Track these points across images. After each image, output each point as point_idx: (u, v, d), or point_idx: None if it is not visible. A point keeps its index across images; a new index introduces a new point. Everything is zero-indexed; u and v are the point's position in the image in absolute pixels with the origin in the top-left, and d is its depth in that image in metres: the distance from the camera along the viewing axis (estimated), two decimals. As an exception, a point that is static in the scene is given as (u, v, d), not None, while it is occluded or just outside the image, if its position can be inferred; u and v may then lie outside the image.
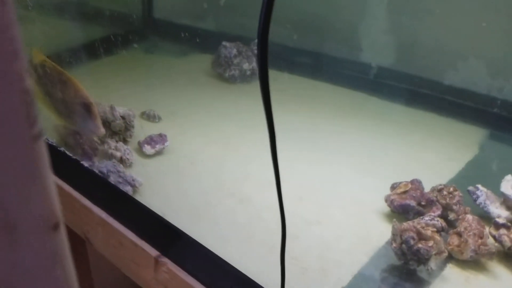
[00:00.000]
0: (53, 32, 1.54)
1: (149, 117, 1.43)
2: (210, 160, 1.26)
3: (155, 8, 1.98)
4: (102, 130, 1.15)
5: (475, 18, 1.43)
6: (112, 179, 1.13)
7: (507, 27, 1.38)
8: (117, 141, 1.27)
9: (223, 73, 1.66)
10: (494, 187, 1.03)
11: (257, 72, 1.68)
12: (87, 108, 1.14)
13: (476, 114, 1.43)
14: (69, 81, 1.17)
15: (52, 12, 1.58)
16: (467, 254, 0.90)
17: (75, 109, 1.17)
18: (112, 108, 1.31)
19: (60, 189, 1.13)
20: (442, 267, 0.91)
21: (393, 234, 0.91)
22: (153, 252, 0.95)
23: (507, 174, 1.06)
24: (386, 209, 1.05)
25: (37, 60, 1.23)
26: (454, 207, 0.99)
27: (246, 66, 1.66)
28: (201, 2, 1.76)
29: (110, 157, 1.21)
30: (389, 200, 1.04)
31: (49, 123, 1.32)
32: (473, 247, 0.90)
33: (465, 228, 0.91)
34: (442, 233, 0.92)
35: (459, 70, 1.48)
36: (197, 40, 1.69)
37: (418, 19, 1.54)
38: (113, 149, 1.23)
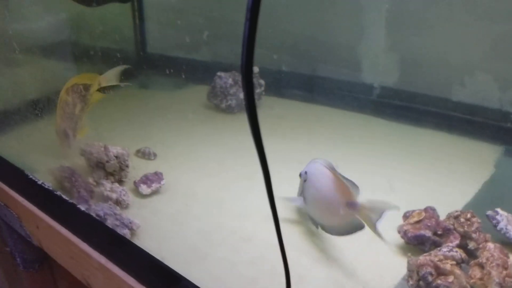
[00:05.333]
0: (44, 74, 1.51)
1: (144, 154, 1.38)
2: (210, 196, 1.20)
3: (148, 43, 1.95)
4: None
5: (477, 29, 1.38)
6: (109, 222, 1.08)
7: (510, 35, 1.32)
8: (112, 182, 1.23)
9: (220, 104, 1.61)
10: (515, 209, 0.96)
11: (257, 100, 1.64)
12: None
13: (488, 130, 1.36)
14: None
15: (40, 55, 1.56)
16: (492, 288, 0.82)
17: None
18: (106, 148, 1.26)
19: (58, 233, 1.07)
20: (465, 303, 0.83)
21: (409, 270, 0.83)
22: (154, 299, 0.89)
23: (527, 194, 0.99)
24: (400, 240, 0.98)
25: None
26: (473, 235, 0.91)
27: (243, 95, 1.61)
28: (193, 34, 1.73)
29: (106, 199, 1.16)
30: (402, 231, 0.96)
31: (44, 166, 1.27)
32: (497, 280, 0.82)
33: (487, 259, 0.83)
34: (462, 265, 0.85)
35: (466, 85, 1.42)
36: (192, 72, 1.66)
37: (418, 35, 1.49)
38: (109, 190, 1.18)
